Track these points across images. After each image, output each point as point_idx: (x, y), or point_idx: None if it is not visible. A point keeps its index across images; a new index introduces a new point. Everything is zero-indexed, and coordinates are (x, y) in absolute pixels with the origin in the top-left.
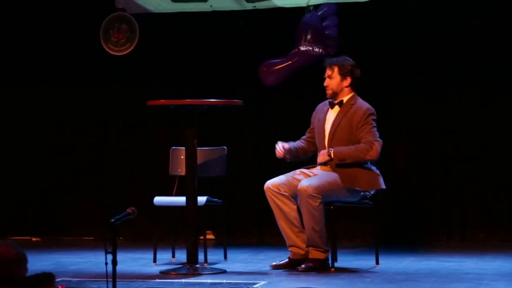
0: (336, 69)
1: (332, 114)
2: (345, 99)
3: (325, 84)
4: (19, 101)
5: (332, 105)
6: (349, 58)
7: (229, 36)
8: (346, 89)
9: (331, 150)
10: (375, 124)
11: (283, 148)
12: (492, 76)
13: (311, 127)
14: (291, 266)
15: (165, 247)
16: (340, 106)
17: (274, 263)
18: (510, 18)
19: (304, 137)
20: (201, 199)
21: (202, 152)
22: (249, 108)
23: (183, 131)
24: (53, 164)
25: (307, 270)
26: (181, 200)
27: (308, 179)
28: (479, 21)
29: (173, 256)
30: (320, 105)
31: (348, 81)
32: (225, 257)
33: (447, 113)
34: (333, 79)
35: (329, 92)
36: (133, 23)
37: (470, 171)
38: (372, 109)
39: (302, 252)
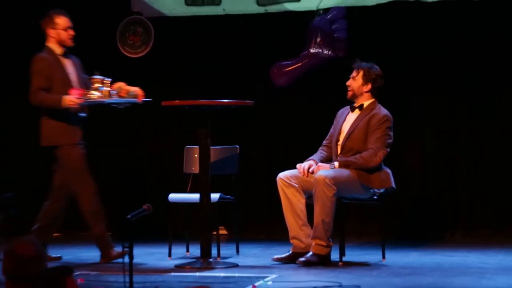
0: (361, 72)
1: (352, 116)
2: (365, 103)
3: (348, 83)
4: None
5: (353, 109)
6: (377, 67)
7: (242, 38)
8: (366, 94)
9: (335, 164)
10: (388, 131)
11: (307, 171)
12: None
13: (331, 132)
14: (293, 259)
15: (179, 242)
16: (360, 110)
17: (276, 256)
18: None
19: (324, 142)
20: (214, 196)
21: (215, 151)
22: (261, 108)
23: (196, 130)
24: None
25: (306, 264)
26: (195, 197)
27: (326, 170)
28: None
29: (187, 251)
30: (341, 110)
31: (368, 87)
32: (237, 251)
33: (457, 110)
34: (355, 81)
35: (350, 92)
36: (149, 26)
37: (475, 170)
38: (390, 116)
39: (303, 245)
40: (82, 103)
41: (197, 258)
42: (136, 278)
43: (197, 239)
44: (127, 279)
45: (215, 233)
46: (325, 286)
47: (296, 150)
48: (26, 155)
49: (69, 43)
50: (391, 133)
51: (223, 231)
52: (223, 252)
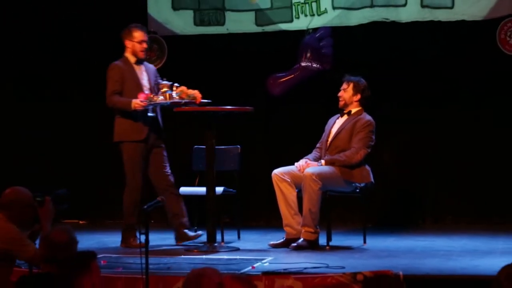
0: (352, 84)
1: (341, 121)
2: (353, 110)
3: (339, 94)
4: (83, 104)
5: (342, 114)
6: (363, 80)
7: (243, 53)
8: (355, 103)
9: (322, 162)
10: (370, 134)
11: (303, 167)
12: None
13: (323, 136)
14: (286, 245)
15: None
16: (348, 115)
17: (272, 242)
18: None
19: (318, 145)
20: (219, 189)
21: (220, 150)
22: (259, 114)
23: (203, 133)
24: (98, 161)
25: (298, 248)
26: (202, 190)
27: (313, 167)
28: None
29: None
30: (332, 117)
31: (358, 97)
32: (239, 237)
33: (425, 116)
34: (346, 92)
35: (341, 102)
36: (163, 43)
37: (441, 166)
38: (373, 122)
39: (295, 232)
40: (146, 106)
41: (203, 243)
42: (151, 260)
43: (204, 226)
44: (143, 261)
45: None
46: (314, 267)
47: (289, 150)
48: (82, 154)
49: (141, 55)
50: (373, 136)
51: (226, 220)
52: (226, 237)
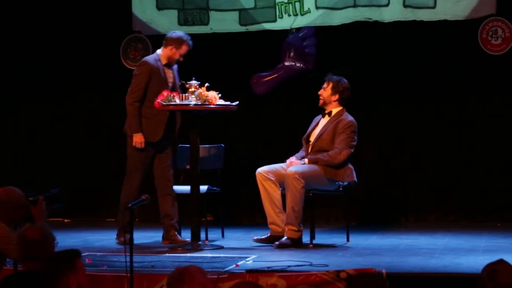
0: (331, 84)
1: (323, 122)
2: (334, 111)
3: (319, 93)
4: (68, 104)
5: (323, 115)
6: (345, 80)
7: (226, 52)
8: (334, 103)
9: (305, 160)
10: (353, 135)
11: (287, 165)
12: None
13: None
14: (270, 241)
15: None
16: (329, 116)
17: (256, 237)
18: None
19: (303, 147)
20: (203, 188)
21: (204, 149)
22: (243, 113)
23: (189, 131)
24: (85, 161)
25: (281, 246)
26: (186, 188)
27: (296, 166)
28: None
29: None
30: (316, 117)
31: (336, 97)
32: (223, 235)
33: (407, 115)
34: (325, 91)
35: (321, 101)
36: (147, 43)
37: (422, 166)
38: (354, 122)
39: (279, 230)
40: (141, 147)
41: (187, 241)
42: (136, 258)
43: (188, 225)
44: (128, 259)
45: (204, 219)
46: (298, 265)
47: (273, 149)
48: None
49: (174, 63)
50: (355, 137)
51: (210, 218)
52: (210, 236)
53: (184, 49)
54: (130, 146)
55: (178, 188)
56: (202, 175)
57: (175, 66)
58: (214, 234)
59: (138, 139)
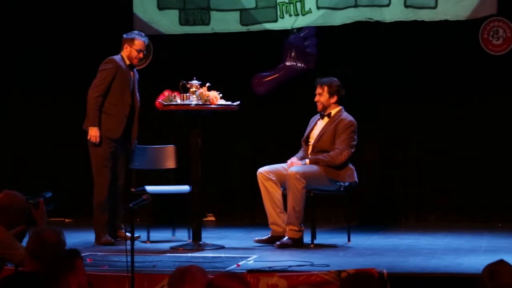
0: (325, 88)
1: (321, 123)
2: (333, 112)
3: (316, 99)
4: (69, 105)
5: (322, 116)
6: (336, 79)
7: (227, 52)
8: (333, 105)
9: (306, 161)
10: (353, 135)
11: (288, 165)
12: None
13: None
14: (271, 242)
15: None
16: (328, 117)
17: (257, 238)
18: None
19: (302, 148)
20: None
21: (156, 149)
22: (244, 113)
23: (190, 131)
24: (85, 160)
25: (282, 246)
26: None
27: (297, 166)
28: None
29: (173, 235)
30: (313, 117)
31: (335, 98)
32: (189, 237)
33: (408, 115)
34: (322, 96)
35: (319, 106)
36: (148, 42)
37: (423, 166)
38: (354, 122)
39: (281, 230)
40: (96, 142)
41: (181, 241)
42: (137, 258)
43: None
44: (129, 259)
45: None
46: (299, 265)
47: (274, 149)
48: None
49: (135, 62)
50: (355, 137)
51: (211, 218)
52: (211, 236)
53: (137, 43)
54: (89, 143)
55: (161, 188)
56: (154, 175)
57: (136, 74)
58: (215, 234)
59: (93, 133)
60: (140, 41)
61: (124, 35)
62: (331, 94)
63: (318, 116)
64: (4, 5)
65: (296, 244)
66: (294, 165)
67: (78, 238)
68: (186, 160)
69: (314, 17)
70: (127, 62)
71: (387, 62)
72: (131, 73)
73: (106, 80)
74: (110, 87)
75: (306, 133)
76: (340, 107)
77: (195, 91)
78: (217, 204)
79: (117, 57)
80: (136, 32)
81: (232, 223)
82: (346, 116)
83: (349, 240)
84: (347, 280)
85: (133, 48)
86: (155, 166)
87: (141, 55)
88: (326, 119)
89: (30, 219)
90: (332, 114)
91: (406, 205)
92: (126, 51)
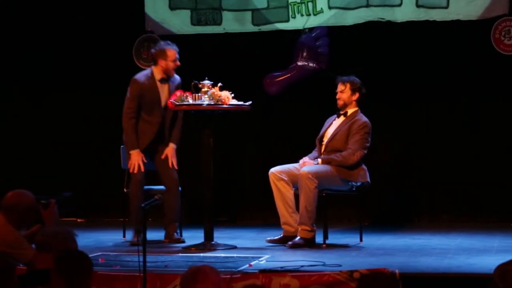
0: (348, 85)
1: (337, 122)
2: (350, 111)
3: (338, 96)
4: (81, 104)
5: (339, 115)
6: (356, 78)
7: (239, 53)
8: (354, 103)
9: (318, 161)
10: (366, 136)
11: (300, 165)
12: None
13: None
14: (284, 242)
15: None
16: (345, 116)
17: (269, 238)
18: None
19: (317, 147)
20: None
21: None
22: (256, 113)
23: (202, 131)
24: (98, 161)
25: (294, 246)
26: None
27: (309, 166)
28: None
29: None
30: (329, 118)
31: (356, 95)
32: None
33: (420, 115)
34: (344, 93)
35: (340, 102)
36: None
37: (436, 166)
38: (369, 123)
39: (293, 230)
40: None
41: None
42: (149, 258)
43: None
44: (141, 259)
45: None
46: (311, 265)
47: (286, 149)
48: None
49: (173, 73)
50: (369, 138)
51: (222, 218)
52: (224, 236)
53: (170, 55)
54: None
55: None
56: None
57: (177, 79)
58: (227, 234)
59: (134, 157)
60: (172, 51)
61: (152, 50)
62: (353, 91)
63: (334, 116)
64: (4, 5)
65: (308, 244)
66: (307, 164)
67: (90, 238)
68: (196, 160)
69: (325, 17)
70: (159, 77)
71: (398, 62)
72: (166, 85)
73: (132, 103)
74: (139, 106)
75: (321, 132)
76: (357, 108)
77: (207, 91)
78: (229, 204)
79: (141, 76)
80: (162, 43)
81: (244, 223)
82: (361, 117)
83: (361, 240)
84: (363, 279)
85: (168, 60)
86: None
87: (177, 63)
88: (342, 118)
89: (38, 220)
90: (349, 114)
91: (418, 205)
92: (161, 66)
